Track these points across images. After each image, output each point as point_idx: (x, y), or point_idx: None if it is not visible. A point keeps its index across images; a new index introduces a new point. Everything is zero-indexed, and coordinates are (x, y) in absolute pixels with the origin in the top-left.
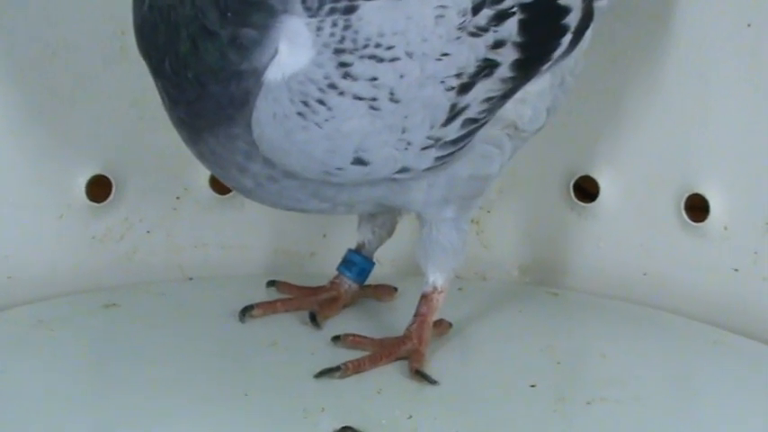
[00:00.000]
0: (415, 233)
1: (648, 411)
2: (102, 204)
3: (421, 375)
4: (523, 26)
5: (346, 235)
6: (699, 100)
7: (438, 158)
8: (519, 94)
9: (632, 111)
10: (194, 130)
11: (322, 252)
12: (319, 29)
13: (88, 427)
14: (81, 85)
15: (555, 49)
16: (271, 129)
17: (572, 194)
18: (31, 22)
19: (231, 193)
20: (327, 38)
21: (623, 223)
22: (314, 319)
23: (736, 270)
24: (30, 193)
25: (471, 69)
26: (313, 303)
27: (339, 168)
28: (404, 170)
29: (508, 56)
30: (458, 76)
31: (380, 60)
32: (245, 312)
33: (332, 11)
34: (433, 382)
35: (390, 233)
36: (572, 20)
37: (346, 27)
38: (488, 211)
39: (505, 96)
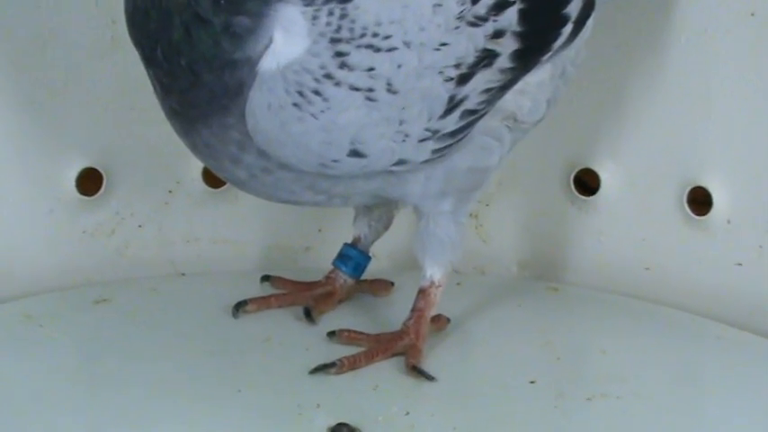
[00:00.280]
0: (412, 227)
1: (650, 408)
2: (92, 198)
3: (418, 371)
4: (523, 16)
5: (342, 229)
6: (702, 91)
7: (436, 151)
8: (519, 85)
9: (634, 102)
10: (187, 121)
11: (317, 246)
12: (315, 17)
13: (79, 424)
14: (71, 76)
15: (555, 39)
16: (265, 120)
17: (572, 188)
18: (20, 12)
19: (224, 187)
20: (323, 27)
21: (624, 217)
22: (309, 315)
23: (740, 264)
24: (19, 187)
25: (470, 60)
26: (308, 299)
27: (335, 160)
28: (401, 162)
29: (508, 46)
30: (456, 66)
31: (377, 50)
32: (239, 308)
33: None
34: (430, 378)
35: (387, 227)
36: (573, 9)
37: (343, 16)
38: (487, 205)
39: (505, 87)
